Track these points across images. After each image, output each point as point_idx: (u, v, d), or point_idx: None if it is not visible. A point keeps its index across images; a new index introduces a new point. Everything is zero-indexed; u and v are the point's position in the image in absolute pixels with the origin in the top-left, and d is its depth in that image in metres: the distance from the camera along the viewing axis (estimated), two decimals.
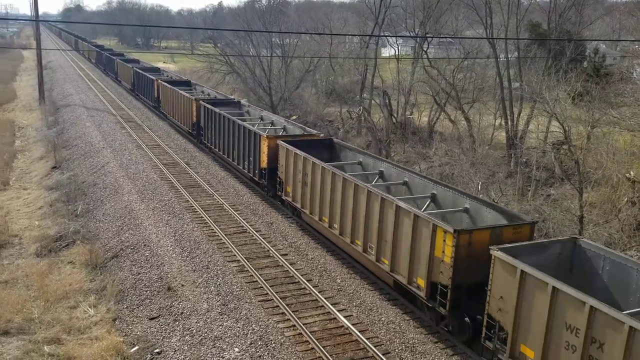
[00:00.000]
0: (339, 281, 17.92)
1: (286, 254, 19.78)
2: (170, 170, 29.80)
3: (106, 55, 74.61)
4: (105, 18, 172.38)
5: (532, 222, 14.79)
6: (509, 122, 38.45)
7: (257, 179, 25.89)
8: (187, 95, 36.82)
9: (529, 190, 31.51)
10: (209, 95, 40.25)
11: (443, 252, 14.12)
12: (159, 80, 44.86)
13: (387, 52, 71.60)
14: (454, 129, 42.12)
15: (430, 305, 14.76)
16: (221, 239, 20.98)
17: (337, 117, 52.96)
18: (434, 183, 18.49)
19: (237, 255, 19.55)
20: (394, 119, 46.31)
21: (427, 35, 45.92)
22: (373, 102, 49.68)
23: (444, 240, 14.05)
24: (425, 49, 46.66)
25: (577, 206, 25.21)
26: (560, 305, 11.16)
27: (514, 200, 29.53)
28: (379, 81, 51.15)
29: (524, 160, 34.81)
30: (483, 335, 13.26)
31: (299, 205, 21.80)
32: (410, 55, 58.34)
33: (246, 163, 26.71)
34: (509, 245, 13.08)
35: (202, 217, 23.17)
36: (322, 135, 27.62)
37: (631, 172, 26.30)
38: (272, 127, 29.29)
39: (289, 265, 18.73)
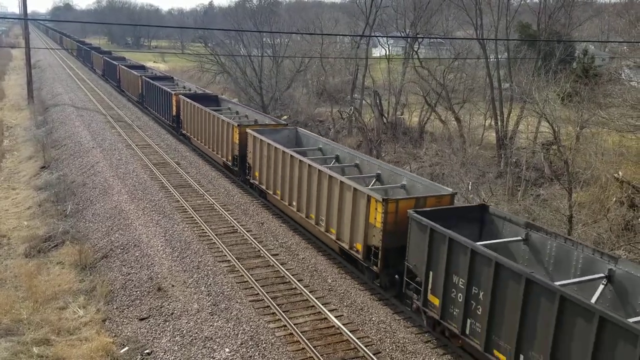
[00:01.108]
0: (329, 281, 17.94)
1: (277, 254, 19.77)
2: (161, 170, 29.70)
3: (84, 49, 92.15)
4: (95, 17, 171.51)
5: (285, 123, 28.62)
6: (499, 123, 38.67)
7: (170, 123, 38.01)
8: (136, 73, 50.02)
9: (519, 190, 31.69)
10: (155, 74, 53.29)
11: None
12: (120, 65, 58.96)
13: (378, 52, 71.74)
14: (444, 129, 42.30)
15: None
16: (212, 239, 20.93)
17: (328, 117, 52.99)
18: (252, 110, 32.34)
19: (227, 255, 19.51)
20: (384, 119, 46.41)
21: (418, 36, 46.09)
22: (364, 102, 49.77)
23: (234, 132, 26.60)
24: (415, 50, 46.81)
25: (567, 206, 25.40)
26: (271, 151, 22.80)
27: (504, 200, 29.69)
28: (369, 81, 51.23)
29: (514, 160, 35.03)
30: (246, 173, 25.91)
31: (191, 136, 33.86)
32: (401, 55, 58.48)
33: (166, 114, 38.83)
34: (257, 127, 25.76)
35: (192, 217, 23.11)
36: (212, 93, 41.86)
37: (620, 172, 26.50)
38: (189, 92, 40.38)
39: (280, 266, 18.72)
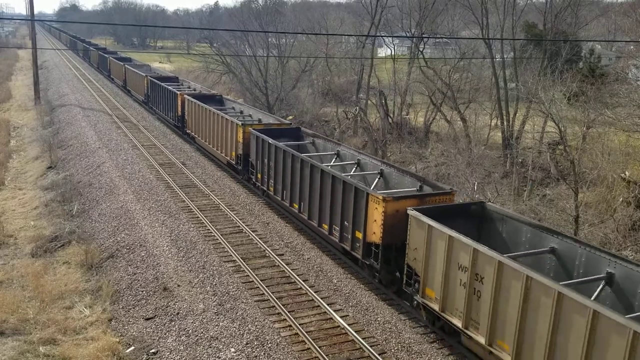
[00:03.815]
0: (335, 281, 17.93)
1: (282, 254, 19.78)
2: (166, 170, 29.78)
3: (72, 41, 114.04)
4: (102, 18, 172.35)
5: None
6: (505, 123, 38.56)
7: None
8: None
9: (525, 191, 31.60)
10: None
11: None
12: (98, 51, 66.65)
13: (383, 52, 71.71)
14: (450, 129, 42.20)
15: None
16: (217, 239, 20.97)
17: (334, 117, 52.95)
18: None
19: (233, 255, 19.54)
20: (390, 119, 46.37)
21: (423, 36, 45.97)
22: (369, 102, 49.71)
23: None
24: (421, 49, 46.71)
25: (573, 206, 25.31)
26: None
27: (510, 201, 29.60)
28: (375, 81, 51.16)
29: (520, 160, 34.93)
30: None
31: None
32: (406, 55, 58.44)
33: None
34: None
35: (198, 217, 23.15)
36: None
37: (626, 172, 26.40)
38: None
39: (285, 266, 18.73)
